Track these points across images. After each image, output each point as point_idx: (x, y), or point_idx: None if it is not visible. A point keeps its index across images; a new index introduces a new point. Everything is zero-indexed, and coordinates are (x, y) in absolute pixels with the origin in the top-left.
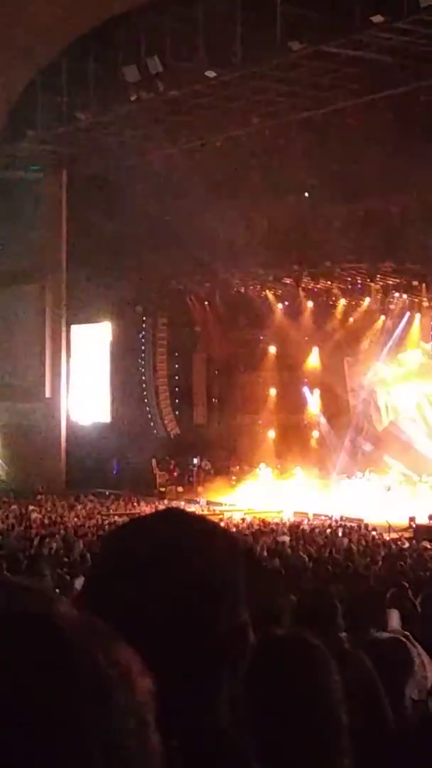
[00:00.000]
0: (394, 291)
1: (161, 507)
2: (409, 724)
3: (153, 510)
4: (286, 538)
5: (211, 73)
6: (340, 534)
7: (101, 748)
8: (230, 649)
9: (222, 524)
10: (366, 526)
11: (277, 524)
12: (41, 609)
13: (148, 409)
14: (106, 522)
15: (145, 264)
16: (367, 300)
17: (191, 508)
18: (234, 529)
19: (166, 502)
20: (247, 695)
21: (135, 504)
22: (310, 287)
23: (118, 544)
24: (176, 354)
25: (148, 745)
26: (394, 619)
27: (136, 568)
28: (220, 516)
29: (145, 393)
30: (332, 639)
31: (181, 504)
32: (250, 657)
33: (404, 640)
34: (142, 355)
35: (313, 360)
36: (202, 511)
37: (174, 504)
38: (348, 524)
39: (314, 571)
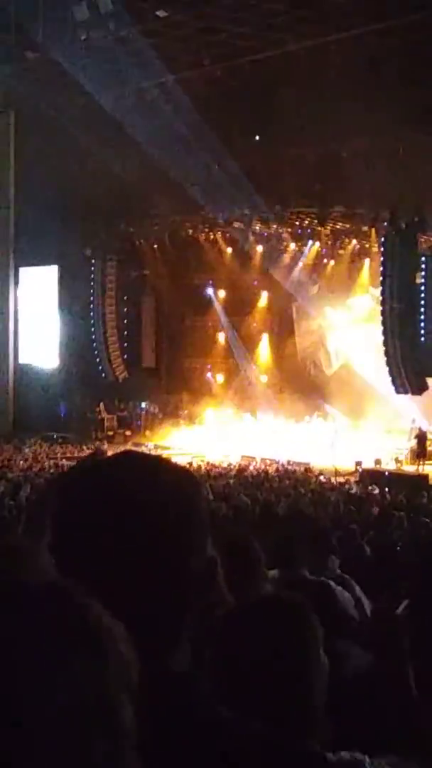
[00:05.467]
0: (344, 236)
1: (111, 451)
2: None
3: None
4: (231, 481)
5: (162, 13)
6: (287, 480)
7: (69, 718)
8: (198, 585)
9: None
10: (311, 469)
11: (224, 468)
12: (5, 572)
13: (96, 352)
14: (54, 465)
15: (93, 206)
16: (317, 245)
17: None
18: None
19: (113, 445)
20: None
21: (83, 447)
22: (260, 231)
23: (79, 494)
24: (125, 297)
25: (118, 721)
26: (334, 564)
27: (100, 514)
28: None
29: (93, 336)
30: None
31: (130, 449)
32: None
33: (330, 583)
34: (91, 298)
35: (262, 304)
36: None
37: (124, 448)
38: (294, 468)
39: (261, 515)
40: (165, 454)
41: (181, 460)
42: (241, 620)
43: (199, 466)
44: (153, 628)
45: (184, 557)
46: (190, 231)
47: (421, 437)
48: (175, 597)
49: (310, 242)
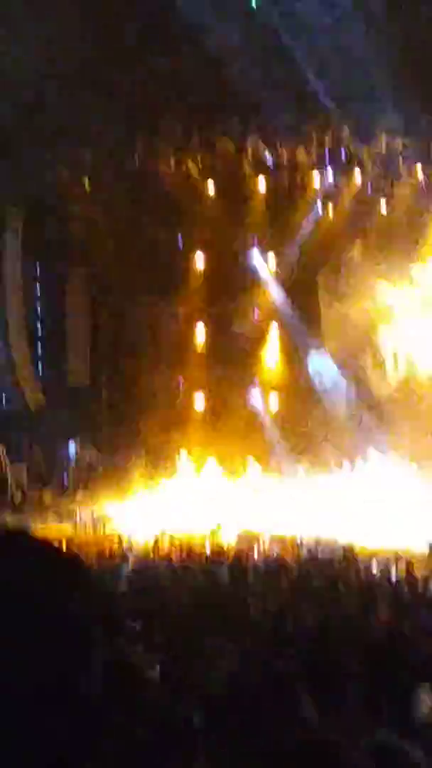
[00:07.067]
0: (404, 160)
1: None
2: None
3: None
4: (225, 579)
5: None
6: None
7: None
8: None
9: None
10: (354, 553)
11: (212, 552)
12: None
13: None
14: None
15: None
16: (358, 174)
17: (63, 528)
18: (131, 562)
19: (22, 517)
20: None
21: None
22: (258, 153)
23: None
24: (38, 270)
25: None
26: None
27: None
28: (117, 538)
29: None
30: None
31: (50, 521)
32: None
33: None
34: None
35: (266, 276)
36: (85, 531)
37: (40, 520)
38: (328, 550)
39: (274, 636)
40: (110, 529)
41: (139, 540)
42: None
43: (169, 551)
44: None
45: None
46: (148, 159)
47: None
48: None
49: (347, 170)
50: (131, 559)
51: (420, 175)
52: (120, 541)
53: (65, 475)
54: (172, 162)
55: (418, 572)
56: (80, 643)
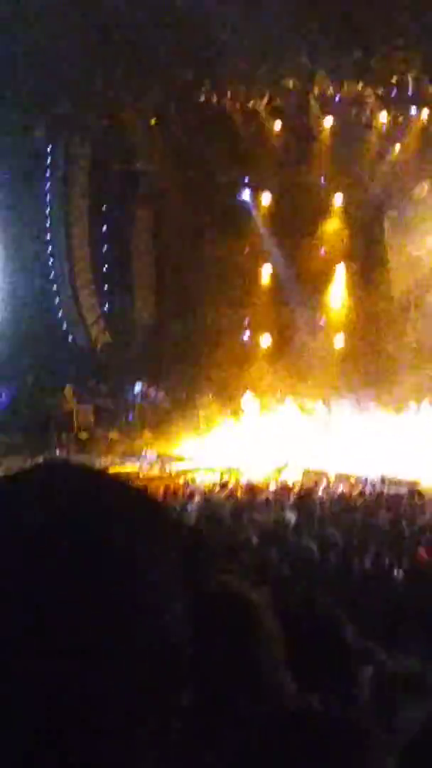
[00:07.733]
0: None
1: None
2: None
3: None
4: (292, 517)
5: None
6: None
7: None
8: (153, 679)
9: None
10: (421, 492)
11: (275, 492)
12: None
13: (57, 301)
14: None
15: (46, 50)
16: (425, 113)
17: (130, 467)
18: (201, 499)
19: (90, 458)
20: None
21: (38, 459)
22: (327, 94)
23: None
24: (103, 208)
25: None
26: None
27: (18, 558)
28: (183, 477)
29: (51, 275)
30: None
31: (116, 460)
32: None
33: None
34: (47, 210)
35: (334, 216)
36: (151, 469)
37: (107, 459)
38: (394, 490)
39: (338, 569)
40: (176, 468)
41: (205, 479)
42: None
43: (234, 488)
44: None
45: (140, 618)
46: (214, 97)
47: None
48: (115, 688)
49: (414, 109)
50: (197, 498)
51: None
52: (186, 480)
53: (131, 413)
54: (239, 99)
55: None
56: (164, 582)
